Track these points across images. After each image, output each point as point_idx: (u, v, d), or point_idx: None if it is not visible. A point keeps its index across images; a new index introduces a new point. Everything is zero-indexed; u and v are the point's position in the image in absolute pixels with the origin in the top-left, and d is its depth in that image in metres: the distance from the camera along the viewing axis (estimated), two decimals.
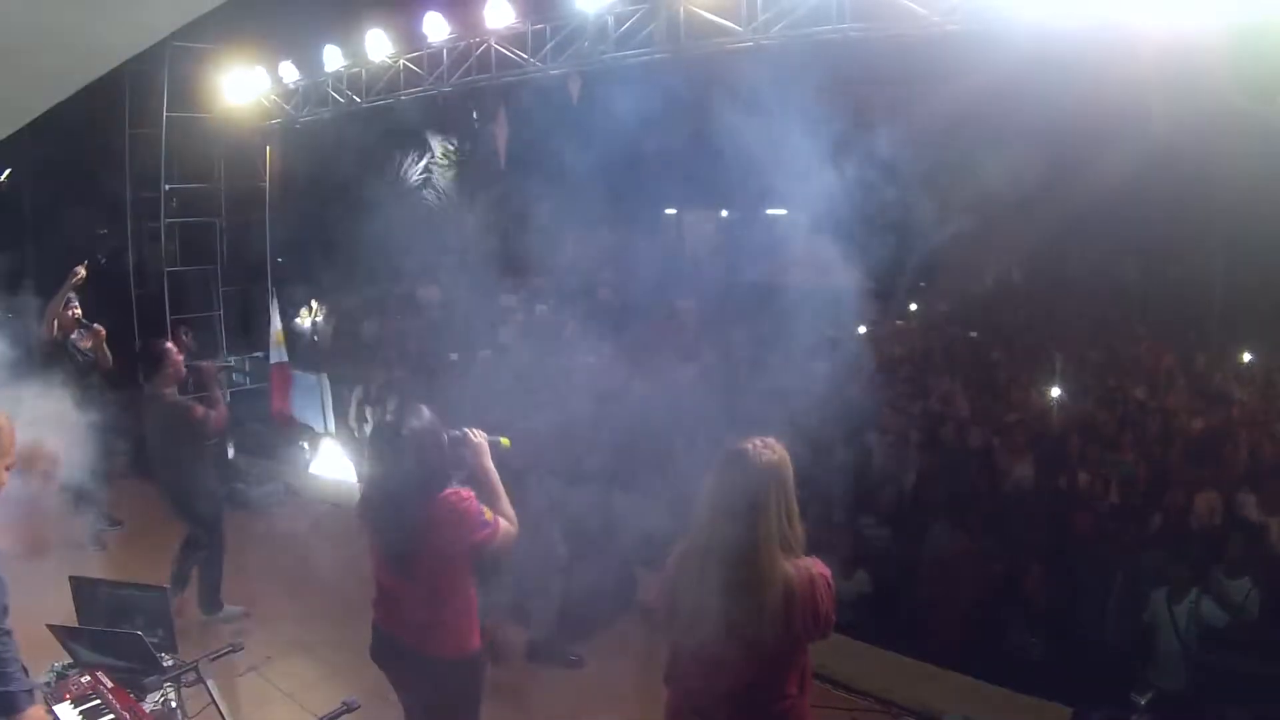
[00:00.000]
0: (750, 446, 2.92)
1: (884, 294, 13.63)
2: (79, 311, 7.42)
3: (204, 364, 7.04)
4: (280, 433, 11.10)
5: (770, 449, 2.92)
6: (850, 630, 6.10)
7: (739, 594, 2.81)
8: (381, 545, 3.58)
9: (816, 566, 2.93)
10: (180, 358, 6.41)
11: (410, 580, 3.54)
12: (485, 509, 3.53)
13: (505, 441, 4.08)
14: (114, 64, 5.70)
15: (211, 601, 6.49)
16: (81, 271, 7.38)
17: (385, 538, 3.55)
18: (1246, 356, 10.08)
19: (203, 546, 6.46)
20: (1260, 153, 7.85)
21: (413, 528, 3.46)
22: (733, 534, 2.84)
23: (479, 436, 3.74)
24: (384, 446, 3.53)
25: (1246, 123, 7.46)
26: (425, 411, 3.59)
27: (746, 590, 2.81)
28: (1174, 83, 6.49)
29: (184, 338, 7.36)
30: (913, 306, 13.67)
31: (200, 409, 6.31)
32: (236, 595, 6.60)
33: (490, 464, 3.75)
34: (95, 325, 7.33)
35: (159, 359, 6.23)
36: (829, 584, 2.94)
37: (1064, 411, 8.92)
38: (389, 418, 3.58)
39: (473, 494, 3.55)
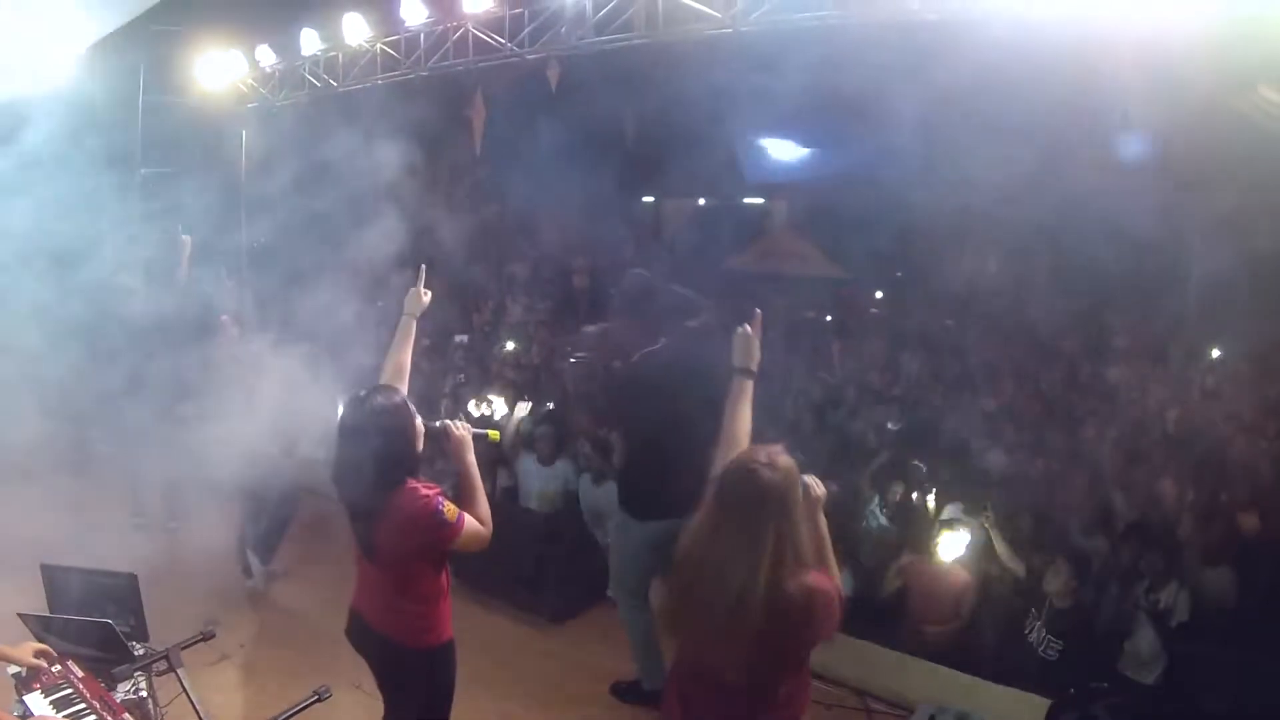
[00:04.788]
0: (755, 462, 2.72)
1: (859, 282, 13.70)
2: None
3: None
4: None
5: (773, 466, 2.70)
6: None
7: (724, 614, 2.68)
8: (350, 521, 3.54)
9: (816, 581, 2.75)
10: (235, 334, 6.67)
11: (371, 561, 3.51)
12: (447, 507, 3.39)
13: (494, 435, 4.00)
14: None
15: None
16: (188, 240, 7.65)
17: (350, 514, 3.52)
18: (1215, 352, 10.14)
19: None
20: (1242, 143, 7.87)
21: (368, 513, 3.41)
22: (726, 553, 2.68)
23: (461, 429, 3.60)
24: (351, 422, 3.40)
25: (1227, 115, 7.49)
26: (397, 394, 3.50)
27: (730, 614, 2.67)
28: (1154, 74, 6.51)
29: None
30: (879, 294, 13.78)
31: None
32: (213, 583, 6.52)
33: (471, 459, 3.60)
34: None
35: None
36: (830, 601, 2.77)
37: (1039, 400, 8.95)
38: (360, 393, 3.46)
39: (436, 490, 3.42)
